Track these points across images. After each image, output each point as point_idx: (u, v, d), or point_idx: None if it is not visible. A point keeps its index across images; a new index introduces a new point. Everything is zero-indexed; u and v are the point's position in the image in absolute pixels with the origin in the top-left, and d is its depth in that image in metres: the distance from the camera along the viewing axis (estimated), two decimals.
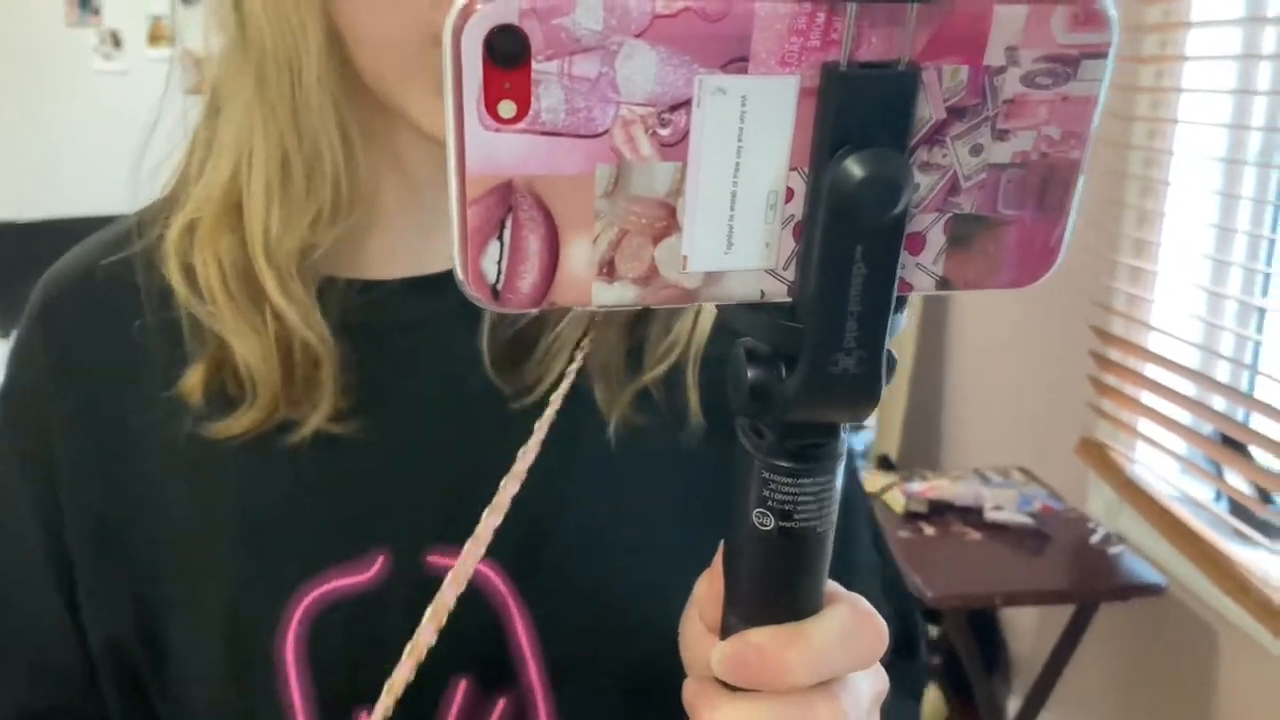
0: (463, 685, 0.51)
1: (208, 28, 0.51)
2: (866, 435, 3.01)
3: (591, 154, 0.28)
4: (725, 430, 0.52)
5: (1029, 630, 2.44)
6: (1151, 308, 2.06)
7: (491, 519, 0.50)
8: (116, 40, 2.84)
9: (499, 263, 0.29)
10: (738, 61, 0.27)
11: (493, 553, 0.51)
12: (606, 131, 0.28)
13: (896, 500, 2.09)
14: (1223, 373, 1.94)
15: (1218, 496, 1.94)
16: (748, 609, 0.35)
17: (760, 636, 0.35)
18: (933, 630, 2.28)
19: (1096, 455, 2.15)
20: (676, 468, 0.54)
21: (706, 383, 0.54)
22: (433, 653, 0.50)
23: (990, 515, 2.05)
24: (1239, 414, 1.88)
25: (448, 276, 0.53)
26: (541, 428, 0.52)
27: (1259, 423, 1.80)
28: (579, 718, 0.52)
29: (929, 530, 2.04)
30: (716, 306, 0.32)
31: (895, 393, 2.97)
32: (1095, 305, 2.14)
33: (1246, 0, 1.87)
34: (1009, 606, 2.35)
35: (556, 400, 0.52)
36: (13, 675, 0.57)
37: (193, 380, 0.51)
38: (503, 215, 0.28)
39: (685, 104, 0.27)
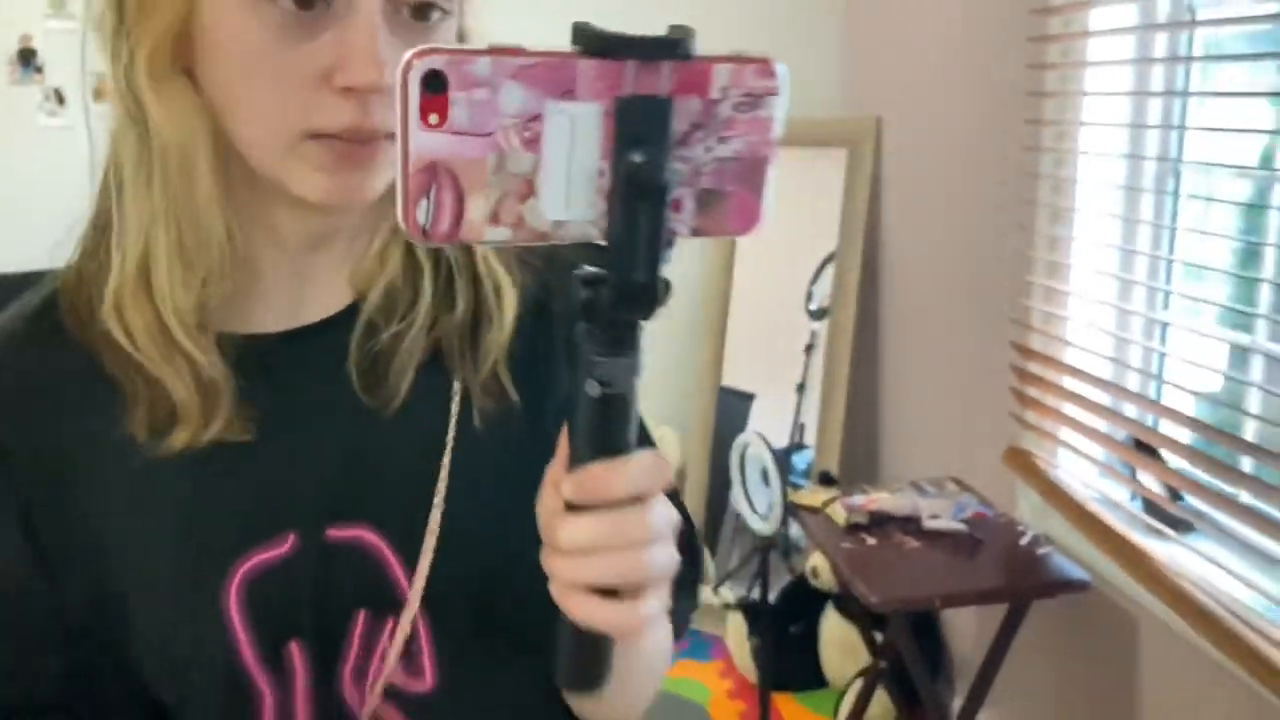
0: (362, 615, 0.70)
1: (116, 127, 0.64)
2: (808, 454, 3.12)
3: (484, 146, 0.45)
4: (529, 402, 0.73)
5: (968, 632, 2.52)
6: (1066, 324, 2.15)
7: (436, 511, 0.70)
8: (60, 97, 2.86)
9: (427, 213, 0.45)
10: (569, 93, 0.45)
11: (375, 519, 0.70)
12: (493, 133, 0.45)
13: (839, 514, 2.15)
14: (1133, 382, 2.04)
15: (1133, 497, 2.02)
16: (584, 459, 0.52)
17: (594, 466, 0.52)
18: (878, 637, 2.38)
19: (1022, 463, 2.23)
20: (506, 432, 0.72)
21: (514, 373, 0.73)
22: (339, 593, 0.69)
23: (927, 524, 2.12)
24: (1149, 420, 1.97)
25: (315, 327, 0.68)
26: (451, 431, 0.71)
27: (1167, 427, 1.91)
28: (448, 633, 0.71)
29: (870, 540, 2.10)
30: (563, 248, 0.51)
31: (833, 412, 3.07)
32: (1014, 323, 2.24)
33: (1137, 41, 2.01)
34: (948, 608, 2.43)
35: (454, 412, 0.71)
36: (16, 671, 0.71)
37: (135, 416, 0.66)
38: (429, 184, 0.45)
39: (539, 118, 0.45)
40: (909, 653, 2.08)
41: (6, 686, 0.70)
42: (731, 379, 3.31)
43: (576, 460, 0.52)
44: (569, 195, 0.47)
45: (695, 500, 3.28)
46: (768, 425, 3.08)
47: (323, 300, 0.71)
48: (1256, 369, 1.78)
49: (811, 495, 2.26)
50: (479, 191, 0.45)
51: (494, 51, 0.44)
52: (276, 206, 0.66)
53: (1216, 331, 1.89)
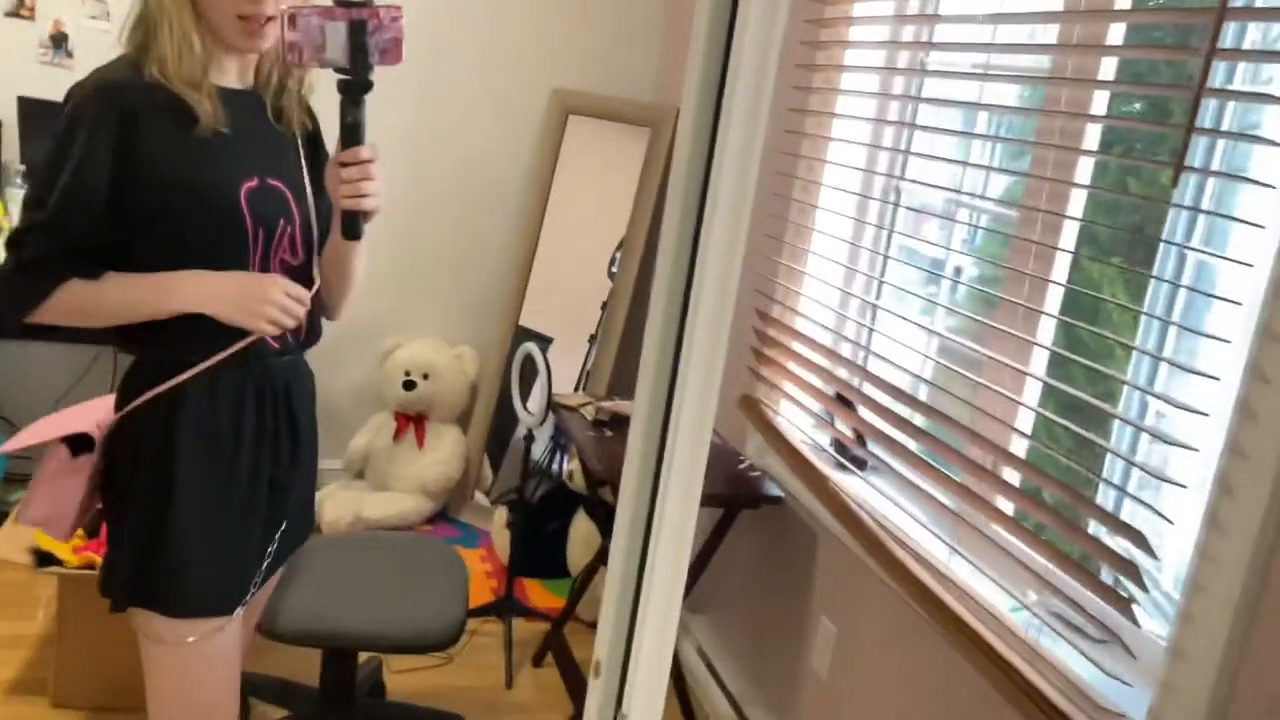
0: (281, 220, 1.47)
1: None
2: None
3: (310, 35, 1.30)
4: (319, 139, 1.64)
5: None
6: (800, 300, 2.40)
7: (305, 178, 1.53)
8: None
9: (291, 58, 1.31)
10: (334, 17, 1.30)
11: (283, 180, 1.47)
12: (310, 31, 1.30)
13: (589, 412, 2.38)
14: (845, 350, 2.28)
15: (833, 441, 2.27)
16: (347, 147, 1.39)
17: (353, 150, 1.40)
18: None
19: (751, 408, 2.46)
20: (314, 151, 1.58)
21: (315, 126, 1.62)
22: (274, 208, 1.44)
23: None
24: (854, 381, 2.19)
25: (248, 90, 1.56)
26: (301, 148, 1.54)
27: (866, 389, 2.13)
28: (304, 234, 1.49)
29: (609, 434, 2.34)
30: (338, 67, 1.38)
31: (607, 352, 3.22)
32: (760, 294, 2.49)
33: (875, 104, 2.24)
34: None
35: (301, 134, 1.55)
36: (67, 224, 1.36)
37: (183, 108, 1.39)
38: (292, 47, 1.31)
39: (324, 26, 1.30)
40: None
41: (71, 232, 1.34)
42: (532, 322, 3.41)
43: (345, 148, 1.39)
44: (334, 49, 1.29)
45: (483, 414, 3.36)
46: (560, 366, 3.18)
47: (245, 79, 1.50)
48: (933, 346, 2.00)
49: (572, 398, 2.41)
50: (308, 49, 1.29)
51: (310, 6, 1.29)
52: (228, 44, 1.43)
53: (913, 317, 2.11)
